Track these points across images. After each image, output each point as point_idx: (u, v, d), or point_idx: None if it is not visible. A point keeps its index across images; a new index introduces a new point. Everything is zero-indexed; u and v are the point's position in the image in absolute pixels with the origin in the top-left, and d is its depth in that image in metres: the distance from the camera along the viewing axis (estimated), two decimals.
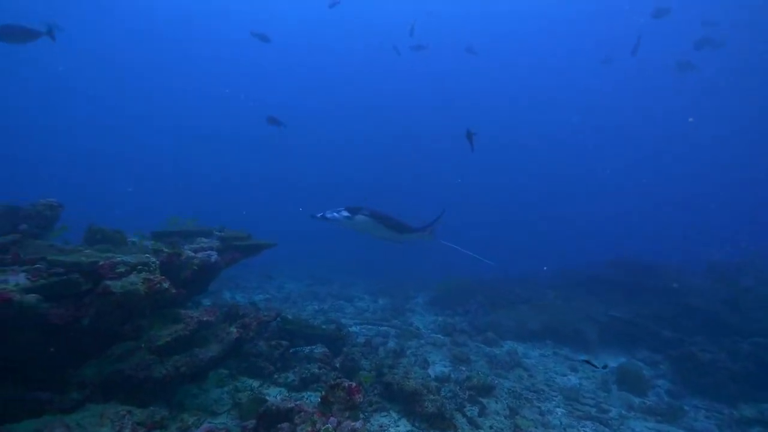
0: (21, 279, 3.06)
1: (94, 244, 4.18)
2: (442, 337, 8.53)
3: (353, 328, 8.27)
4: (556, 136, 38.99)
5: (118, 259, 3.43)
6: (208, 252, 4.79)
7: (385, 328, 8.79)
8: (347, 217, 6.27)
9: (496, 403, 5.39)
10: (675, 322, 8.72)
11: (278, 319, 5.83)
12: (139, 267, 3.45)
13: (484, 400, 5.33)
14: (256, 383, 4.67)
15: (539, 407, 5.62)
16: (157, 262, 3.66)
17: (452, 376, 6.16)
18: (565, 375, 7.18)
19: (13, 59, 27.79)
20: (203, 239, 5.40)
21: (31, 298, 2.81)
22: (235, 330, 4.51)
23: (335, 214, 6.30)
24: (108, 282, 3.25)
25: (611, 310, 9.38)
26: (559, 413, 5.59)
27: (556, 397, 6.16)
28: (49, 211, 5.28)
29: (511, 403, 5.48)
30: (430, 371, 6.30)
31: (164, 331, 3.93)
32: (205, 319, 4.24)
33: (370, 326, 8.81)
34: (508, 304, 10.68)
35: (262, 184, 41.74)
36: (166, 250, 4.15)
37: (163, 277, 3.51)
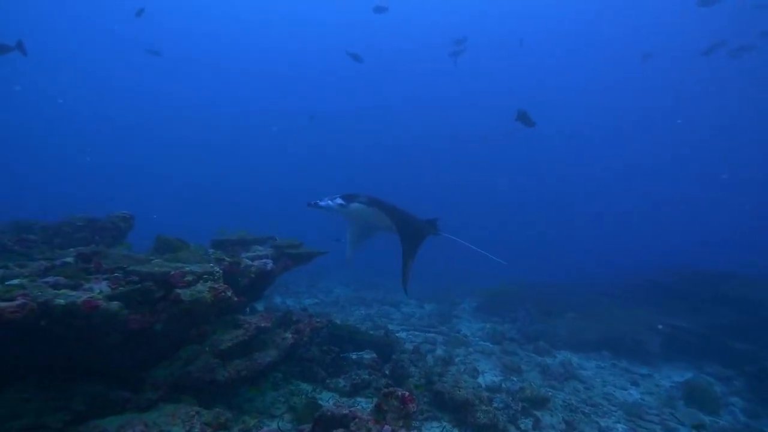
0: (104, 287, 3.36)
1: (163, 253, 4.50)
2: (490, 345, 8.36)
3: (400, 334, 8.29)
4: (572, 137, 37.32)
5: (187, 268, 3.68)
6: (264, 260, 5.00)
7: (432, 334, 8.74)
8: (341, 205, 5.65)
9: (551, 416, 5.22)
10: (749, 335, 8.02)
11: (328, 324, 5.96)
12: (205, 276, 3.68)
13: (538, 413, 5.17)
14: (308, 387, 4.79)
15: (598, 423, 5.36)
16: (221, 271, 3.88)
17: (503, 386, 6.03)
18: (625, 389, 6.80)
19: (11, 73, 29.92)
20: (258, 247, 5.64)
21: (115, 305, 3.07)
22: (290, 336, 4.68)
23: (329, 201, 5.68)
24: (178, 290, 3.49)
25: (675, 320, 8.77)
26: (620, 430, 5.31)
27: (615, 412, 5.85)
28: (123, 223, 5.76)
29: (567, 416, 5.27)
30: (480, 380, 6.19)
31: (226, 336, 4.16)
32: (262, 324, 4.43)
33: (417, 332, 8.80)
34: (559, 312, 10.29)
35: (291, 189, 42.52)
36: (227, 259, 4.39)
37: (227, 285, 3.71)
